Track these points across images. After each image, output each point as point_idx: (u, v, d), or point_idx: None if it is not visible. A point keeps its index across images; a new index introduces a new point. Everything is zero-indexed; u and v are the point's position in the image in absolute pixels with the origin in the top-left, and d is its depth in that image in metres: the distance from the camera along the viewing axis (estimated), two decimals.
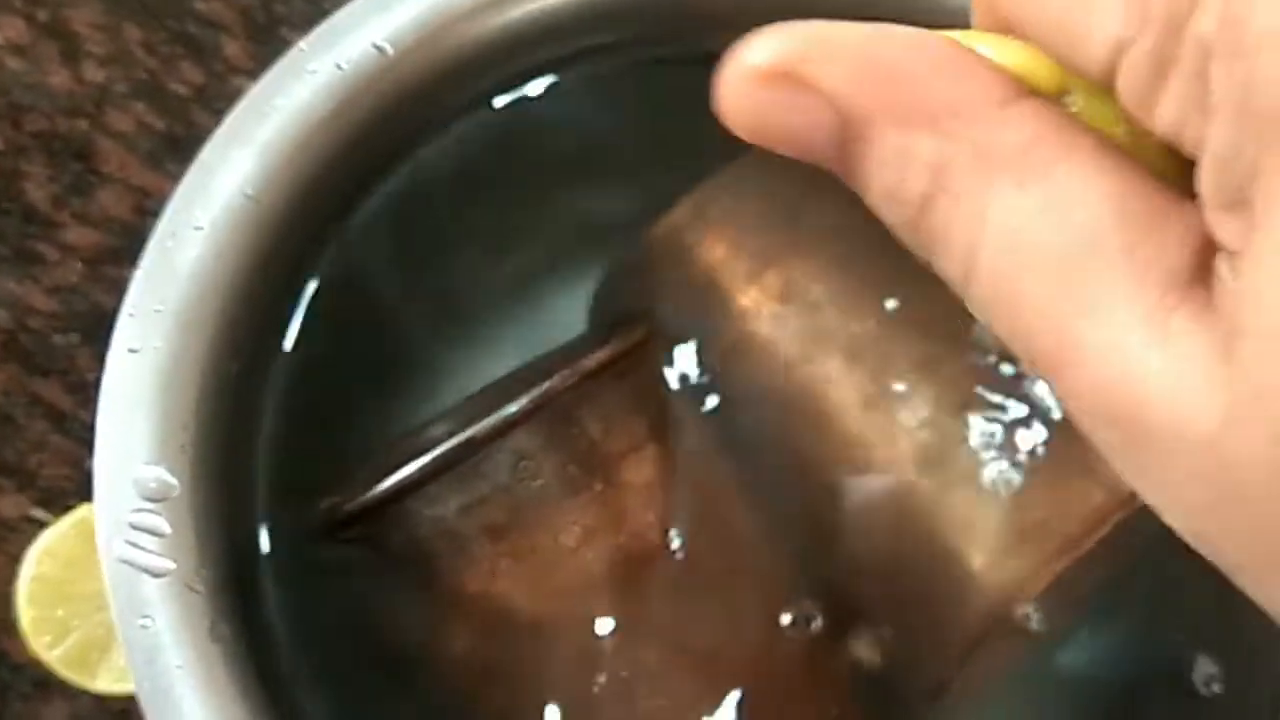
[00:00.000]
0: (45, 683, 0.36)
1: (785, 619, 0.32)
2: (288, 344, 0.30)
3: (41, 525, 0.37)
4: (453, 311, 0.34)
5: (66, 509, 0.38)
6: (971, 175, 0.15)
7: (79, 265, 0.41)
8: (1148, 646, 0.35)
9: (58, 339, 0.40)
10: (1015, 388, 0.32)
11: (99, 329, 0.29)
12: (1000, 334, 0.16)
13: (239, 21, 0.44)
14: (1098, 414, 0.15)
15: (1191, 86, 0.13)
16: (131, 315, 0.27)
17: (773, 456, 0.33)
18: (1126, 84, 0.14)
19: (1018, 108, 0.15)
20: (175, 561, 0.26)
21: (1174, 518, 0.15)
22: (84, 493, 0.38)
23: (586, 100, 0.34)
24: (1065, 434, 0.33)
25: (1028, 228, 0.15)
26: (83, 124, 0.42)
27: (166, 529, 0.26)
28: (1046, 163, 0.15)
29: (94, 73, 0.43)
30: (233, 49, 0.44)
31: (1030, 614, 0.32)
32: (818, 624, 0.32)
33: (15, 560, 0.37)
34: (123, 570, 0.25)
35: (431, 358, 0.33)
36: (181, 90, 0.43)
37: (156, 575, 0.25)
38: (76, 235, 0.41)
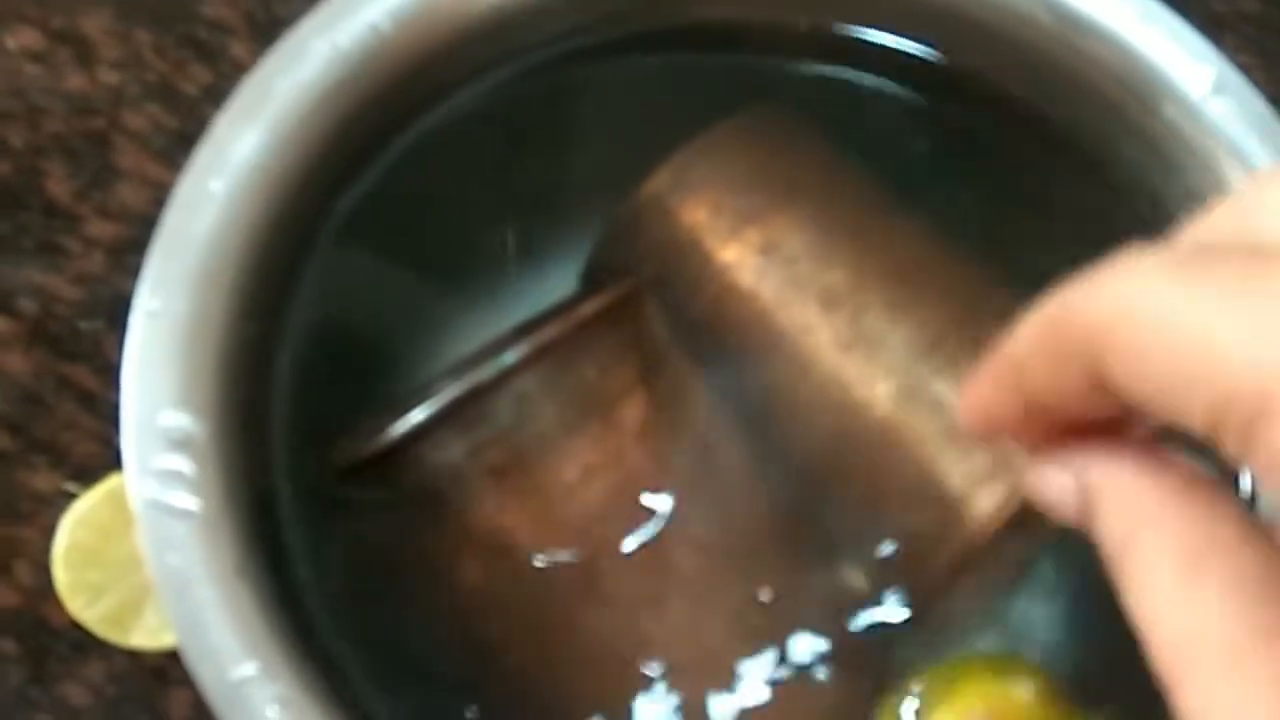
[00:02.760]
0: (83, 645, 0.39)
1: (776, 549, 0.34)
2: (301, 305, 0.32)
3: (74, 498, 0.40)
4: (455, 274, 0.36)
5: (97, 482, 0.40)
6: None
7: (101, 256, 0.43)
8: None
9: (84, 325, 0.42)
10: (977, 330, 0.34)
11: (123, 314, 0.31)
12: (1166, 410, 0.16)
13: (243, 23, 0.46)
14: None
15: None
16: (152, 280, 0.29)
17: (757, 398, 0.35)
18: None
19: None
20: (201, 500, 0.28)
21: None
22: (114, 467, 0.40)
23: (581, 74, 0.36)
24: None
25: None
26: (99, 123, 0.45)
27: (191, 471, 0.28)
28: None
29: (108, 76, 0.45)
30: (238, 50, 0.46)
31: (1010, 538, 0.34)
32: (807, 552, 0.34)
33: (50, 532, 0.39)
34: (152, 511, 0.28)
35: (437, 318, 0.35)
36: (191, 90, 0.45)
37: (183, 515, 0.27)
38: (98, 228, 0.44)
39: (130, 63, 0.45)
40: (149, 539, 0.27)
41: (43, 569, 0.39)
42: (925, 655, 0.34)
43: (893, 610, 0.34)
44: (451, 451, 0.31)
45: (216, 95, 0.45)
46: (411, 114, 0.34)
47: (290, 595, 0.29)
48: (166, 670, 0.38)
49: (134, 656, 0.38)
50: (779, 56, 0.38)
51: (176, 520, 0.28)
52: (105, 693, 0.39)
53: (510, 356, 0.31)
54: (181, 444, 0.28)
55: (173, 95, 0.45)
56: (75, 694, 0.39)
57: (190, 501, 0.28)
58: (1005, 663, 0.35)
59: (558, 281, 0.37)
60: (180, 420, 0.28)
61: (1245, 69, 0.48)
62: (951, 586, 0.34)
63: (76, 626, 0.38)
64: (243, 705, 0.27)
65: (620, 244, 0.36)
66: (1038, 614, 0.36)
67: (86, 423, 0.42)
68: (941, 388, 0.34)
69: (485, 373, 0.31)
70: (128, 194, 0.44)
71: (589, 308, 0.32)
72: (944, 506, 0.33)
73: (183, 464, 0.28)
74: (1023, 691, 0.34)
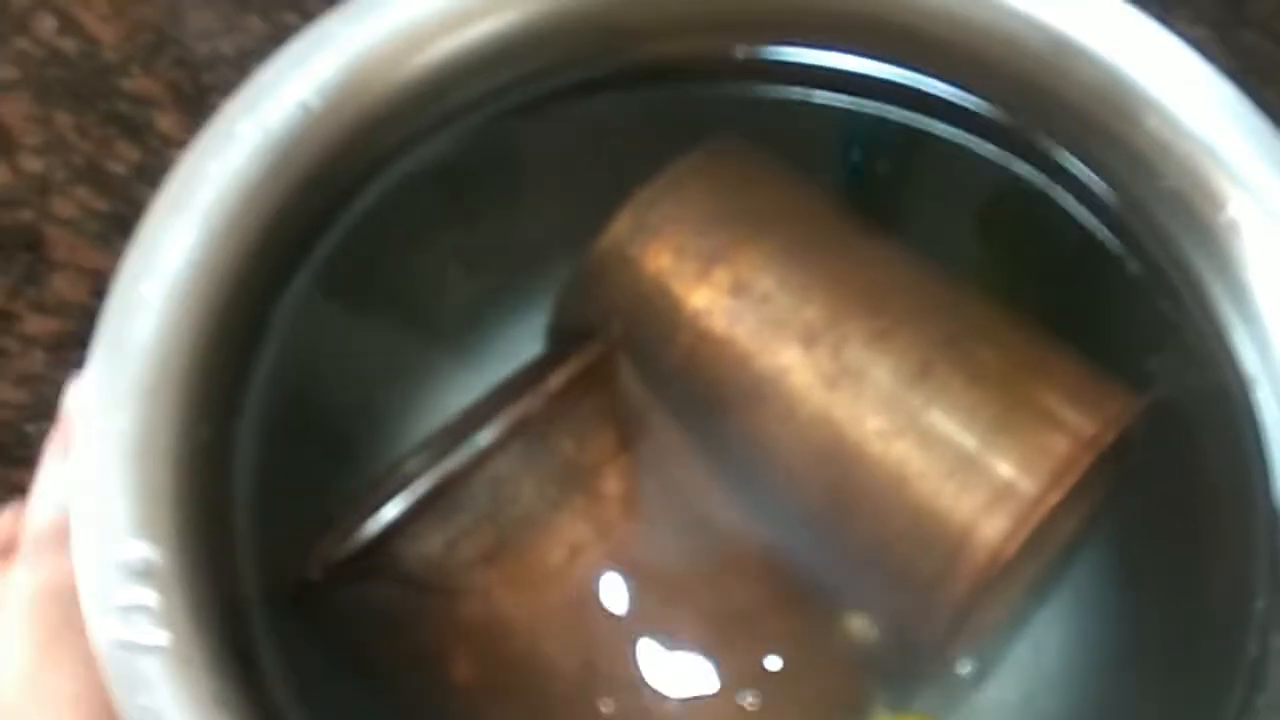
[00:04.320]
0: None
1: (776, 607, 0.32)
2: (256, 401, 0.30)
3: None
4: (414, 347, 0.34)
5: None
6: None
7: (41, 354, 0.41)
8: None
9: (29, 428, 0.41)
10: (965, 352, 0.33)
11: None
12: None
13: (168, 95, 0.44)
14: None
15: None
16: (93, 399, 0.27)
17: (743, 451, 0.33)
18: None
19: None
20: (170, 632, 0.26)
21: None
22: None
23: (526, 125, 0.35)
24: (1023, 386, 0.33)
25: None
26: (27, 214, 0.43)
27: (156, 602, 0.26)
28: None
29: (32, 163, 0.43)
30: (165, 123, 0.44)
31: (1016, 570, 0.33)
32: (810, 607, 0.33)
33: None
34: (118, 651, 0.26)
35: (402, 392, 0.34)
36: (120, 169, 0.43)
37: (152, 651, 0.26)
38: (35, 325, 0.42)
39: (53, 147, 0.43)
40: (117, 682, 0.25)
41: None
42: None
43: (905, 655, 0.33)
44: (430, 544, 0.29)
45: (146, 172, 0.43)
46: (353, 188, 0.32)
47: (272, 716, 0.27)
48: None
49: None
50: (727, 85, 0.36)
51: (146, 657, 0.26)
52: None
53: (483, 439, 0.29)
54: (143, 574, 0.26)
55: (101, 176, 0.43)
56: None
57: (158, 636, 0.26)
58: None
59: (526, 338, 0.35)
60: (139, 549, 0.27)
61: (1200, 42, 0.48)
62: (964, 623, 0.32)
63: None
64: None
65: (584, 299, 0.35)
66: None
67: None
68: (934, 417, 0.33)
69: (458, 459, 0.29)
70: (64, 286, 0.42)
71: (559, 378, 0.30)
72: (947, 544, 0.32)
73: (147, 595, 0.26)
74: None
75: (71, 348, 0.41)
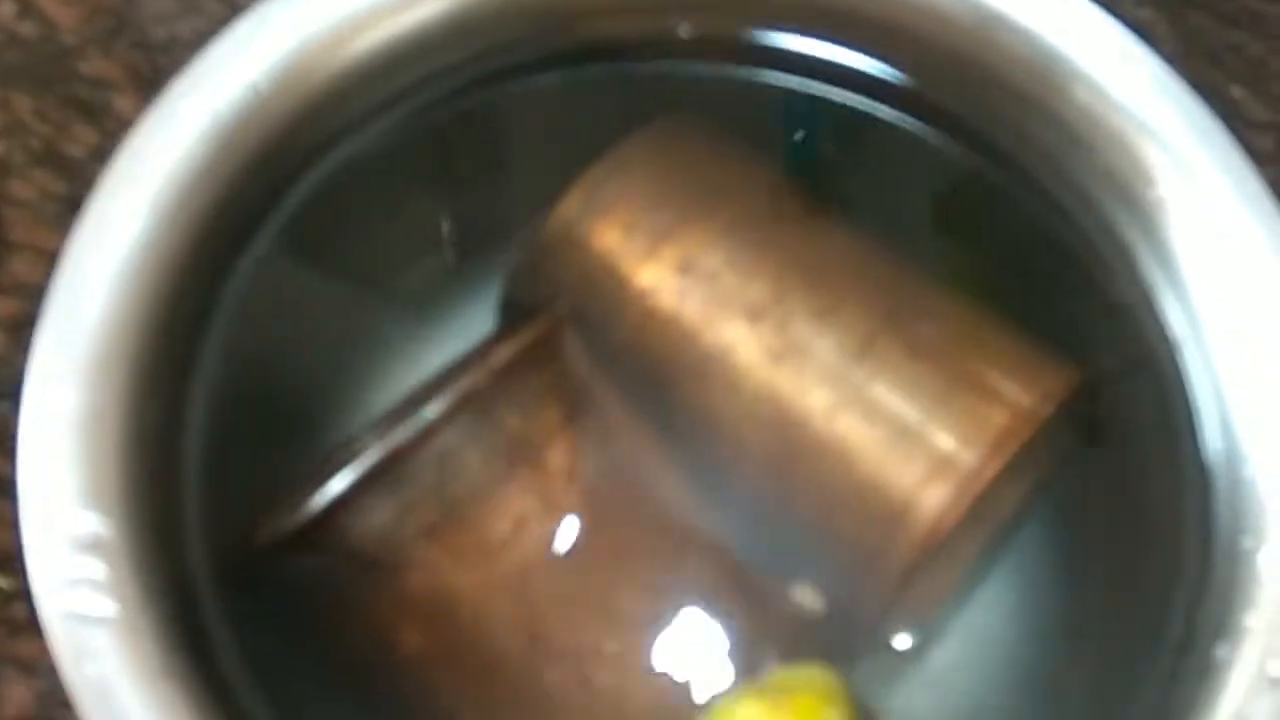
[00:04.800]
0: None
1: (722, 579, 0.33)
2: (205, 377, 0.31)
3: (1, 591, 0.38)
4: (367, 325, 0.35)
5: (21, 573, 0.38)
6: None
7: (0, 335, 0.41)
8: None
9: None
10: (907, 328, 0.34)
11: None
12: None
13: (125, 78, 0.45)
14: None
15: None
16: (39, 374, 0.28)
17: (689, 426, 0.34)
18: None
19: None
20: (118, 603, 0.26)
21: None
22: None
23: (471, 108, 0.35)
24: (963, 361, 0.34)
25: None
26: None
27: (104, 574, 0.26)
28: None
29: None
30: (123, 105, 0.44)
31: (957, 541, 0.33)
32: (756, 579, 0.34)
33: None
34: (66, 623, 0.26)
35: (351, 372, 0.34)
36: (78, 152, 0.44)
37: (100, 622, 0.26)
38: None
39: (12, 130, 0.44)
40: (64, 652, 0.26)
41: None
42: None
43: (848, 625, 0.34)
44: (378, 517, 0.30)
45: (105, 155, 0.43)
46: (301, 168, 0.33)
47: (221, 690, 0.28)
48: None
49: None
50: (675, 64, 0.37)
51: (94, 629, 0.26)
52: None
53: (429, 412, 0.30)
54: (91, 546, 0.27)
55: (59, 160, 0.43)
56: None
57: (106, 606, 0.26)
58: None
59: (480, 315, 0.36)
60: (87, 520, 0.27)
61: (1147, 23, 0.48)
62: (906, 594, 0.33)
63: None
64: None
65: (534, 277, 0.35)
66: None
67: (3, 510, 0.40)
68: (877, 391, 0.33)
69: (404, 433, 0.30)
70: (22, 268, 0.42)
71: (505, 352, 0.31)
72: (889, 515, 0.32)
73: (95, 567, 0.27)
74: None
75: (30, 329, 0.41)
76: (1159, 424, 0.31)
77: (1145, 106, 0.31)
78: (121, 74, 0.45)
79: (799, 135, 0.38)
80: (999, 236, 0.37)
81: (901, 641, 0.35)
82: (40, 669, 0.38)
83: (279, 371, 0.34)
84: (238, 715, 0.28)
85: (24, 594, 0.39)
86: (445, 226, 0.36)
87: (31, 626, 0.38)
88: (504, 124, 0.37)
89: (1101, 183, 0.32)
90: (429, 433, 0.30)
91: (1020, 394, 0.33)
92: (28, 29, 0.45)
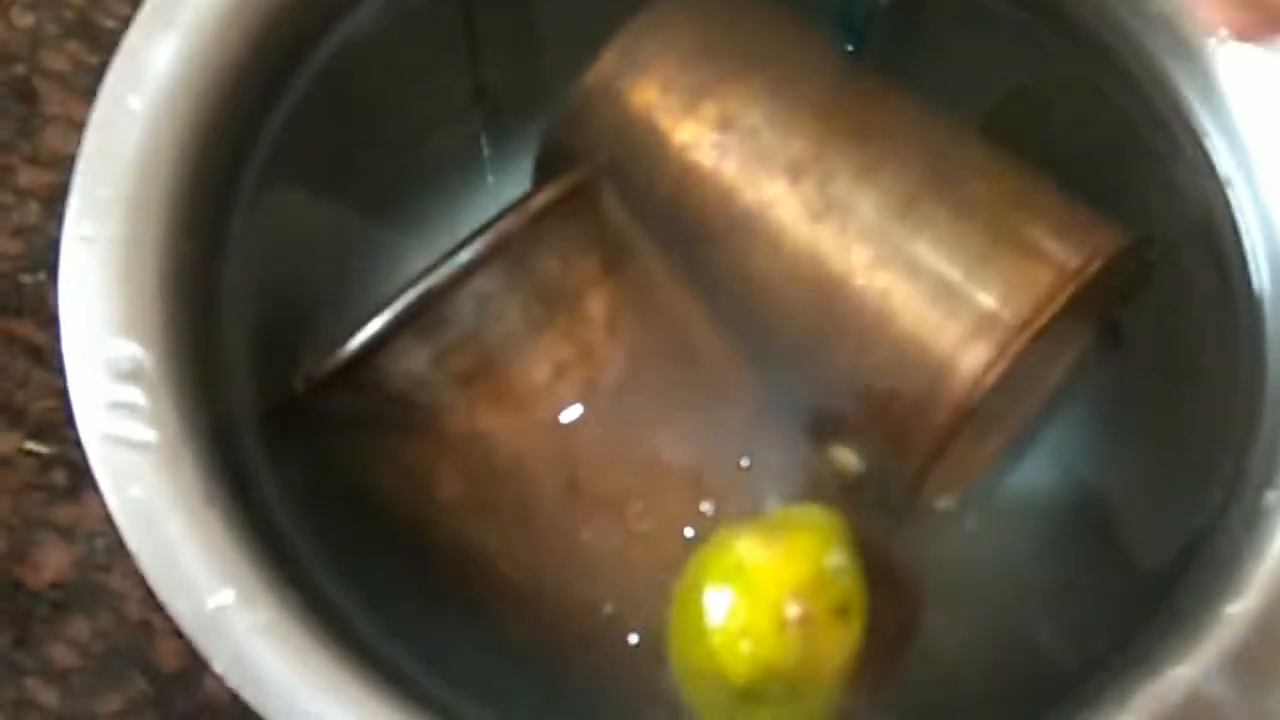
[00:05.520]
0: (64, 604, 0.37)
1: (760, 430, 0.33)
2: (244, 219, 0.31)
3: (37, 457, 0.38)
4: (412, 182, 0.34)
5: (60, 440, 0.39)
6: None
7: (36, 205, 0.41)
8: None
9: (26, 279, 0.41)
10: (952, 187, 0.33)
11: None
12: None
13: None
14: None
15: None
16: (79, 206, 0.28)
17: (729, 282, 0.34)
18: None
19: None
20: (158, 431, 0.26)
21: None
22: (74, 421, 0.39)
23: None
24: (1009, 220, 0.33)
25: None
26: (20, 69, 0.43)
27: (144, 402, 0.26)
28: None
29: (23, 18, 0.43)
30: None
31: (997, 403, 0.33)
32: (795, 434, 0.33)
33: (16, 495, 0.38)
34: (108, 446, 0.26)
35: (394, 231, 0.34)
36: (111, 24, 0.43)
37: (141, 448, 0.26)
38: (29, 177, 0.42)
39: (44, 2, 0.43)
40: (106, 475, 0.26)
41: (12, 531, 0.38)
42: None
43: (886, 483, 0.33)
44: (415, 360, 0.30)
45: None
46: (336, 14, 0.32)
47: (263, 520, 0.28)
48: (152, 622, 0.37)
49: (116, 611, 0.37)
50: None
51: (134, 453, 0.26)
52: (92, 650, 0.38)
53: (464, 255, 0.29)
54: (131, 374, 0.27)
55: (92, 31, 0.43)
56: (61, 654, 0.38)
57: (147, 433, 0.26)
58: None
59: (519, 184, 0.35)
60: (127, 349, 0.27)
61: None
62: (945, 451, 0.33)
63: (55, 587, 0.37)
64: (223, 635, 0.25)
65: (572, 134, 0.35)
66: None
67: (40, 378, 0.40)
68: (920, 249, 0.33)
69: (441, 275, 0.29)
70: (56, 139, 0.42)
71: (543, 198, 0.31)
72: (930, 372, 0.32)
73: (134, 394, 0.27)
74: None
75: (65, 199, 0.41)
76: (1210, 264, 0.30)
77: None
78: None
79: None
80: (1052, 99, 0.36)
81: (942, 503, 0.34)
82: (78, 534, 0.38)
83: (318, 225, 0.33)
84: (278, 547, 0.28)
85: (62, 461, 0.39)
86: (485, 83, 0.36)
87: (69, 494, 0.39)
88: None
89: (1155, 33, 0.32)
90: (465, 275, 0.30)
91: (1067, 253, 0.33)
92: None
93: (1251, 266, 0.29)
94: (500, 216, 0.32)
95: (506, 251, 0.30)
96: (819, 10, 0.37)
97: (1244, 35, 0.27)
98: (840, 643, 0.29)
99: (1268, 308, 0.29)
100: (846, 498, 0.34)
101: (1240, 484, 0.29)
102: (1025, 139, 0.36)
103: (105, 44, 0.43)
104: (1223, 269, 0.30)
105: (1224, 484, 0.29)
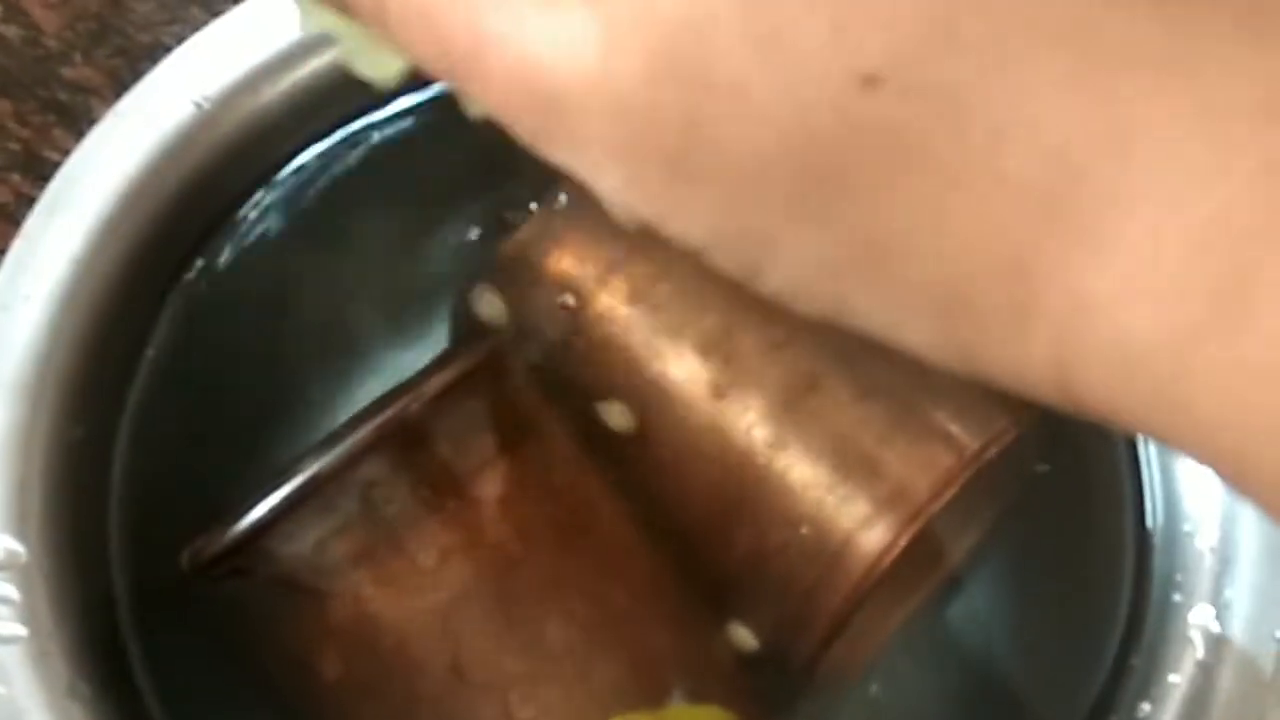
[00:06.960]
0: None
1: (656, 615, 0.33)
2: (132, 405, 0.31)
3: None
4: (316, 351, 0.35)
5: None
6: None
7: None
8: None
9: None
10: (856, 366, 0.33)
11: None
12: (417, 50, 0.17)
13: (108, 84, 0.45)
14: (514, 100, 0.16)
15: None
16: None
17: (634, 454, 0.34)
18: None
19: None
20: (27, 627, 0.26)
21: (619, 186, 0.17)
22: None
23: (418, 131, 0.35)
24: (911, 401, 0.33)
25: None
26: None
27: (16, 596, 0.27)
28: None
29: None
30: (103, 111, 0.44)
31: (896, 583, 0.33)
32: (692, 616, 0.33)
33: None
34: None
35: (292, 400, 0.34)
36: (56, 157, 0.44)
37: (9, 641, 0.26)
38: None
39: None
40: None
41: None
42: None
43: (784, 664, 0.33)
44: (301, 544, 0.30)
45: None
46: (243, 192, 0.33)
47: (132, 712, 0.28)
48: None
49: None
50: None
51: (4, 648, 0.27)
52: None
53: (354, 438, 0.30)
54: (6, 568, 0.27)
55: (37, 163, 0.44)
56: None
57: (16, 628, 0.27)
58: None
59: (428, 344, 0.36)
60: (3, 543, 0.27)
61: None
62: (842, 633, 0.33)
63: None
64: None
65: (484, 300, 0.35)
66: None
67: None
68: (820, 429, 0.33)
69: (330, 459, 0.29)
70: None
71: (438, 381, 0.31)
72: (827, 555, 0.32)
73: (8, 590, 0.27)
74: None
75: None
76: (1105, 475, 0.30)
77: None
78: (103, 79, 0.45)
79: None
80: None
81: (838, 684, 0.34)
82: None
83: (216, 394, 0.34)
84: None
85: None
86: (395, 249, 0.36)
87: None
88: (452, 152, 0.36)
89: None
90: (354, 460, 0.30)
91: (966, 437, 0.33)
92: (11, 32, 0.45)
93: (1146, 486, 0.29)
94: (396, 393, 0.32)
95: (398, 436, 0.30)
96: None
97: None
98: None
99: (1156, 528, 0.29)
100: (745, 674, 0.33)
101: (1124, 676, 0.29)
102: None
103: (48, 177, 0.44)
104: (1117, 490, 0.30)
105: (1116, 663, 0.29)
